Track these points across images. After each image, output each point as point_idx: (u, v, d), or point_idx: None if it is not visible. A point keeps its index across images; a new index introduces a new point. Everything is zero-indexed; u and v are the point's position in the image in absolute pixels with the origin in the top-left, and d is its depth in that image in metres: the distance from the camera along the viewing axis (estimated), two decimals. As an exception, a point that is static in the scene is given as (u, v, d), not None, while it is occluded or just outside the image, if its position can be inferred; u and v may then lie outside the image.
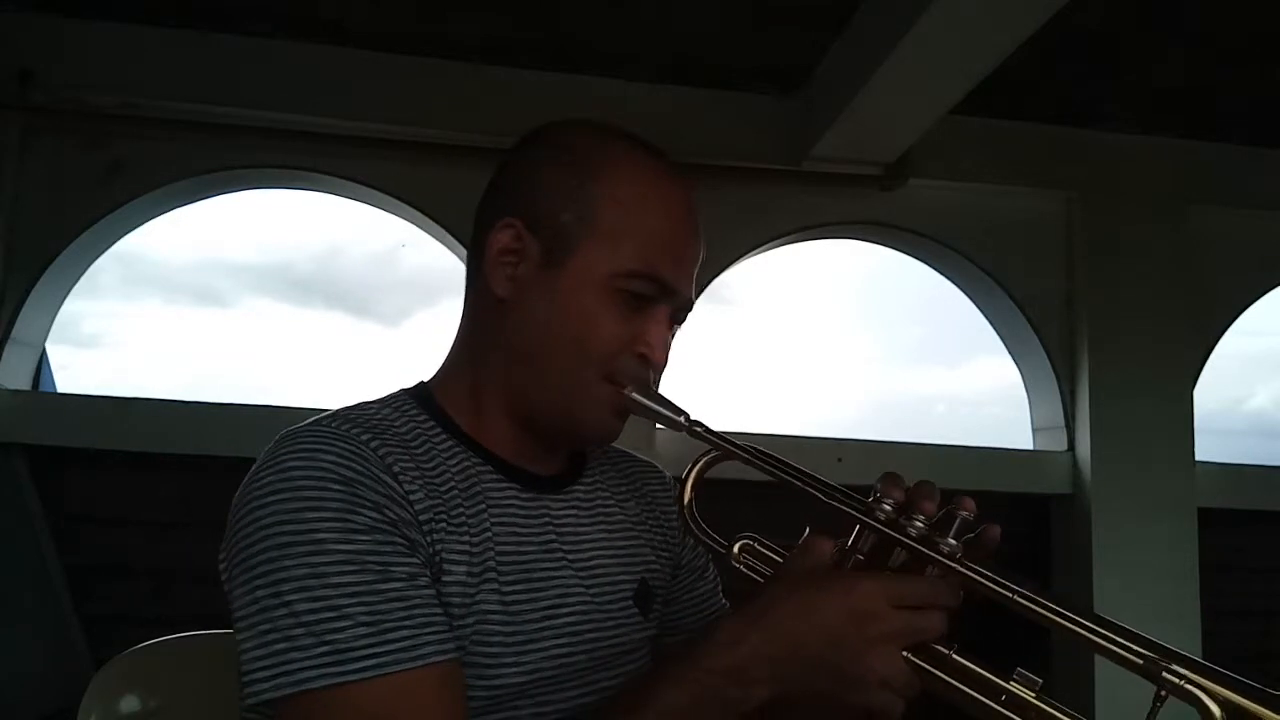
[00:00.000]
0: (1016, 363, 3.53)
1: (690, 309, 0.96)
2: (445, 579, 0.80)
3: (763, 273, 3.52)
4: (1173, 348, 3.30)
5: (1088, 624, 0.71)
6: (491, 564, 0.84)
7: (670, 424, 0.89)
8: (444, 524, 0.82)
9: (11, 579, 2.81)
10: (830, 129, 2.86)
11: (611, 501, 1.01)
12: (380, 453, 0.80)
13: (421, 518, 0.80)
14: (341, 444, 0.79)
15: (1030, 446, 3.51)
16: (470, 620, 0.81)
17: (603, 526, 0.98)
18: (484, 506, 0.87)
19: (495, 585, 0.84)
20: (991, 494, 3.17)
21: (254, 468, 0.80)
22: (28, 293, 2.85)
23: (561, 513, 0.94)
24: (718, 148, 3.07)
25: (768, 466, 0.87)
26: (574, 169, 0.90)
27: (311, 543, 0.74)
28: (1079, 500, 3.25)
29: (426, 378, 0.97)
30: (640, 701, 0.76)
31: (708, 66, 3.03)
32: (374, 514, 0.77)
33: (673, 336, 0.95)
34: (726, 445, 0.88)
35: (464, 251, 1.12)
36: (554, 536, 0.92)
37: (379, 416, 0.87)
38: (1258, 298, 3.54)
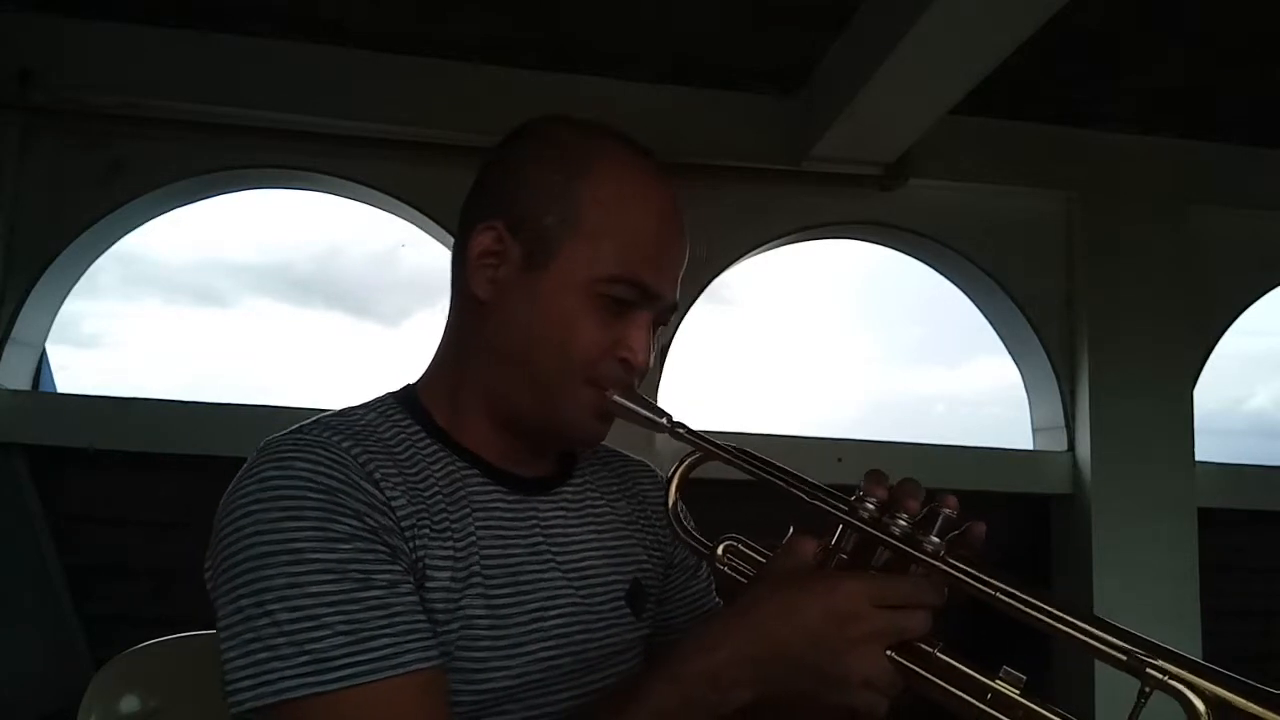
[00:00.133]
0: (1016, 363, 3.53)
1: (674, 310, 0.96)
2: (429, 585, 0.80)
3: (762, 273, 3.53)
4: (1173, 348, 3.30)
5: (1071, 620, 0.71)
6: (476, 568, 0.84)
7: (653, 426, 0.88)
8: (427, 530, 0.81)
9: (11, 579, 2.82)
10: (830, 129, 2.86)
11: (602, 502, 1.00)
12: (361, 459, 0.80)
13: (404, 524, 0.80)
14: (321, 451, 0.79)
15: (1030, 447, 3.51)
16: (455, 626, 0.81)
17: (592, 527, 0.97)
18: (468, 511, 0.86)
19: (481, 590, 0.83)
20: (991, 494, 3.18)
21: (236, 477, 0.79)
22: (28, 293, 2.86)
23: (550, 515, 0.94)
24: (718, 148, 3.08)
25: (749, 466, 0.86)
26: (560, 166, 0.90)
27: (290, 552, 0.74)
28: (1079, 500, 3.25)
29: (413, 380, 0.97)
30: (623, 704, 0.76)
31: (708, 66, 3.03)
32: (354, 522, 0.76)
33: (656, 336, 0.95)
34: (708, 446, 0.88)
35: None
36: (542, 539, 0.91)
37: (362, 422, 0.87)
38: (1258, 298, 3.54)
